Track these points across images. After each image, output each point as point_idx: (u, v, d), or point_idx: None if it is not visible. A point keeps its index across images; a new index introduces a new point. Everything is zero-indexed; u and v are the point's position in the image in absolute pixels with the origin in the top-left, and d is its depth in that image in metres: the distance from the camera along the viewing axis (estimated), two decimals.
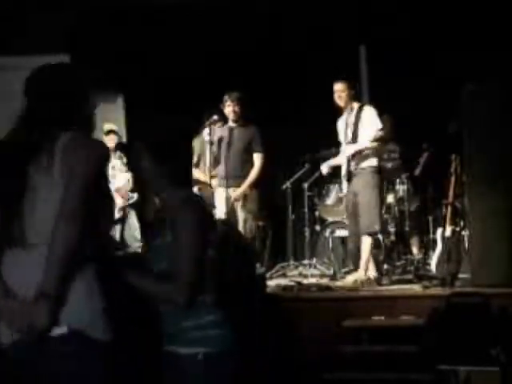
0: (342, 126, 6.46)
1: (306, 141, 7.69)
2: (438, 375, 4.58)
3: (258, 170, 6.73)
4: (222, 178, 6.72)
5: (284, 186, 7.67)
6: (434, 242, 6.49)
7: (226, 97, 6.75)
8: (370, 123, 6.22)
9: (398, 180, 7.09)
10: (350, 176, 6.32)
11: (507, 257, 5.64)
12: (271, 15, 7.78)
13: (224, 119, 6.88)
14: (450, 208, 6.36)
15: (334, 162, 6.61)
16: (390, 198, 7.03)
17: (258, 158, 6.75)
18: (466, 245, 6.22)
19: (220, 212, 6.57)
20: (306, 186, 7.67)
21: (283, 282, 6.67)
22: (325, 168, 6.61)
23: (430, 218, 7.17)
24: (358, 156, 6.25)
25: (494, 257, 5.67)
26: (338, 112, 6.50)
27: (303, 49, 7.85)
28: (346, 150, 6.33)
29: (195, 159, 6.81)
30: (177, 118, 7.82)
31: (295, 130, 7.85)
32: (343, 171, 6.40)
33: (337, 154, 7.55)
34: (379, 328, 5.22)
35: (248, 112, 6.85)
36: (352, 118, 6.30)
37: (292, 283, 6.36)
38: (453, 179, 6.50)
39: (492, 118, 5.77)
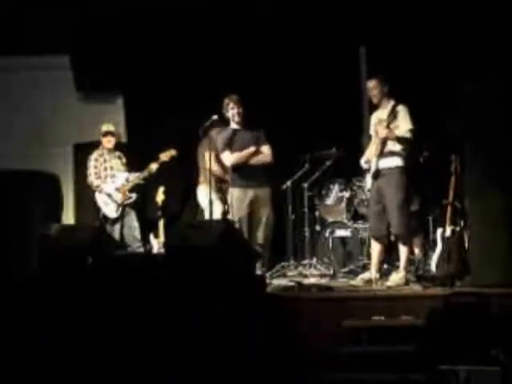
0: (374, 121, 6.44)
1: (305, 141, 7.69)
2: (437, 375, 4.57)
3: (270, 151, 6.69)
4: (239, 179, 6.61)
5: (284, 186, 7.67)
6: (434, 242, 6.49)
7: (226, 100, 6.66)
8: (403, 123, 6.21)
9: None
10: (377, 174, 6.30)
11: (507, 257, 5.64)
12: (271, 15, 7.78)
13: (224, 122, 6.78)
14: (449, 208, 6.37)
15: (368, 154, 6.48)
16: None
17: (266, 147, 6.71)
18: (466, 245, 6.22)
19: (237, 212, 6.50)
20: (305, 185, 7.68)
21: (283, 282, 6.67)
22: (364, 163, 6.49)
23: (430, 218, 7.17)
24: (387, 154, 6.24)
25: (493, 257, 5.67)
26: (373, 106, 6.54)
27: (303, 49, 7.85)
28: (381, 132, 6.22)
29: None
30: (177, 119, 7.91)
31: (295, 130, 7.84)
32: (372, 169, 6.30)
33: (337, 154, 7.60)
34: (379, 328, 5.22)
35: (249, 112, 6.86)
36: (384, 115, 6.27)
37: (292, 283, 6.35)
38: (453, 179, 6.51)
39: (492, 118, 5.77)
